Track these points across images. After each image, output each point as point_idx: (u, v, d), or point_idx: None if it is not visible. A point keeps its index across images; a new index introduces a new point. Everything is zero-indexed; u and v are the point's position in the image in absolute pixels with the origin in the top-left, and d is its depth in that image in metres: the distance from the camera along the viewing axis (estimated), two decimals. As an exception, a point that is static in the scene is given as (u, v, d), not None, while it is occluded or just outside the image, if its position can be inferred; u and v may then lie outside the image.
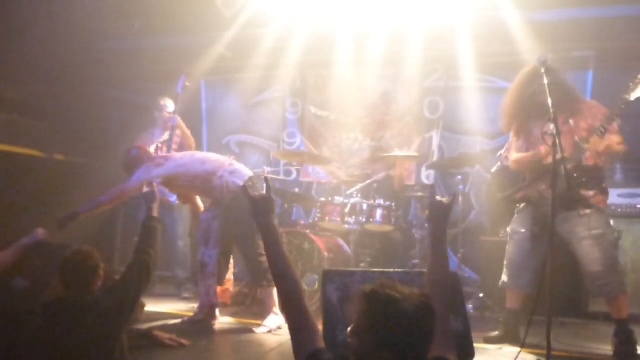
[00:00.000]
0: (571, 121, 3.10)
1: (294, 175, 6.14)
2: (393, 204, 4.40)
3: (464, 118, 5.69)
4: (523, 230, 3.25)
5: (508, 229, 3.43)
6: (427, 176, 5.74)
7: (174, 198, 4.56)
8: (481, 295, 4.35)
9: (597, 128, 2.97)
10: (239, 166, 3.72)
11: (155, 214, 2.73)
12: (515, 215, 3.39)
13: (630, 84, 2.92)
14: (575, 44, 5.25)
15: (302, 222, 4.53)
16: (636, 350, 2.94)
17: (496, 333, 3.28)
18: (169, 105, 4.78)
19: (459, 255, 4.49)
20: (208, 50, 5.80)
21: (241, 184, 3.55)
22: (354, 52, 5.68)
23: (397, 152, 4.62)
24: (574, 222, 3.04)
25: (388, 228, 4.43)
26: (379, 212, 4.36)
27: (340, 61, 5.72)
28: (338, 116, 6.11)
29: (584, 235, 3.01)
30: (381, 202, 4.38)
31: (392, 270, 2.45)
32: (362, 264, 4.48)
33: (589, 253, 2.98)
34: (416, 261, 4.56)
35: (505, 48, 5.25)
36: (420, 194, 4.71)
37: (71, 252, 2.34)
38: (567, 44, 5.21)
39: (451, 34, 5.37)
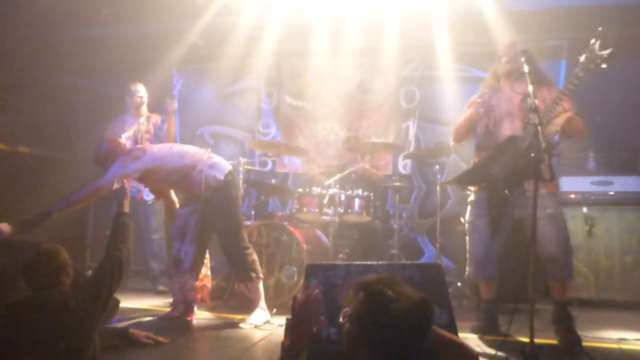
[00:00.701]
0: (528, 100, 2.98)
1: (269, 167, 6.05)
2: (371, 194, 4.37)
3: (440, 107, 5.70)
4: (481, 221, 3.18)
5: (465, 221, 3.35)
6: (404, 166, 5.73)
7: (150, 197, 4.42)
8: (459, 284, 4.37)
9: (547, 108, 2.86)
10: (218, 159, 3.61)
11: (127, 209, 2.63)
12: (469, 207, 3.31)
13: (581, 58, 2.71)
14: (549, 34, 5.29)
15: (279, 214, 4.45)
16: (578, 334, 2.88)
17: (476, 323, 3.27)
18: (140, 90, 4.63)
19: (437, 244, 4.48)
20: (180, 39, 5.64)
21: (222, 177, 3.47)
22: (330, 41, 5.61)
23: (373, 140, 4.57)
24: (527, 204, 2.86)
25: (366, 218, 4.40)
26: (357, 203, 4.33)
27: (316, 50, 5.64)
28: (314, 106, 6.04)
29: (538, 216, 2.81)
30: (359, 192, 4.34)
31: (375, 263, 2.40)
32: (341, 255, 4.45)
33: (544, 233, 2.89)
34: (395, 251, 4.55)
35: (480, 37, 5.26)
36: (397, 183, 4.68)
37: (35, 251, 2.22)
38: (542, 33, 5.24)
39: (427, 24, 5.35)
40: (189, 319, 3.44)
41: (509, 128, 3.11)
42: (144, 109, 4.68)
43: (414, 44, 5.63)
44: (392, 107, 5.83)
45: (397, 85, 5.83)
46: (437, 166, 4.61)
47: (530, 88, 2.62)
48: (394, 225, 4.61)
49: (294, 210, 4.43)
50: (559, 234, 2.92)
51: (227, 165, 3.60)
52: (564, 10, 5.03)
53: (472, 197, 3.28)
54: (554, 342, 2.94)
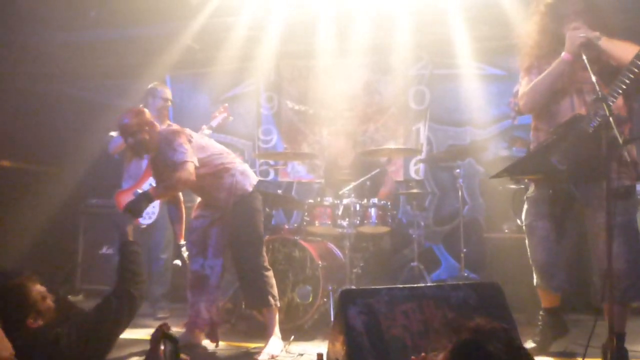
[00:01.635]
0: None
1: (271, 176, 5.69)
2: (389, 203, 4.02)
3: (452, 108, 5.39)
4: (542, 222, 2.70)
5: (523, 222, 2.87)
6: (417, 170, 5.38)
7: (147, 220, 3.96)
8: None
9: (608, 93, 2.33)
10: (247, 166, 3.30)
11: (131, 237, 2.28)
12: (526, 205, 2.83)
13: None
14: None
15: (286, 227, 4.06)
16: None
17: (532, 345, 2.83)
18: (167, 92, 4.22)
19: (462, 254, 4.10)
20: (173, 42, 5.30)
21: (250, 188, 3.14)
22: (332, 40, 5.27)
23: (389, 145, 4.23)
24: (596, 205, 2.49)
25: (384, 229, 4.05)
26: (373, 212, 3.97)
27: (318, 50, 5.31)
28: (317, 110, 5.70)
29: (604, 223, 2.32)
30: (375, 201, 3.99)
31: (422, 285, 2.06)
32: (356, 270, 4.08)
33: (611, 245, 2.30)
34: (415, 263, 4.19)
35: (494, 32, 4.96)
36: (415, 190, 4.34)
37: None
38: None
39: (436, 19, 5.04)
40: (214, 344, 3.12)
41: (570, 104, 2.61)
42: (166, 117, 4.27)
43: (422, 41, 5.29)
44: (401, 108, 5.49)
45: (405, 85, 5.49)
46: (457, 170, 4.25)
47: (593, 78, 2.26)
48: (413, 235, 4.26)
49: (304, 223, 4.07)
50: (626, 248, 2.45)
51: (255, 176, 3.28)
52: None
53: (529, 193, 2.81)
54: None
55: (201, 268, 3.13)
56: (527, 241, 2.85)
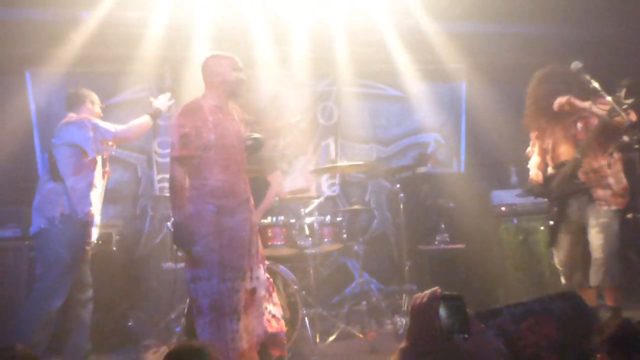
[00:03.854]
0: (579, 124, 3.12)
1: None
2: (343, 220, 3.93)
3: (357, 125, 5.53)
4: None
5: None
6: (331, 185, 5.35)
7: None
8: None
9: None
10: None
11: None
12: None
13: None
14: (451, 57, 5.48)
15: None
16: None
17: None
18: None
19: (407, 268, 4.19)
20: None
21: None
22: (242, 49, 4.96)
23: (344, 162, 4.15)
24: (586, 211, 3.12)
25: (338, 246, 3.94)
26: (327, 230, 3.84)
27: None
28: (220, 122, 5.25)
29: (592, 224, 3.08)
30: (328, 218, 3.85)
31: (526, 301, 2.06)
32: (296, 286, 3.82)
33: (595, 240, 3.06)
34: (360, 279, 4.14)
35: (390, 56, 5.25)
36: (356, 206, 4.31)
37: None
38: (444, 56, 5.42)
39: (338, 38, 5.13)
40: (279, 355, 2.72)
41: (569, 149, 3.17)
42: None
43: (329, 58, 5.33)
44: (311, 124, 5.42)
45: (313, 100, 5.45)
46: (397, 185, 4.34)
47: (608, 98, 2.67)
48: (359, 252, 4.22)
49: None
50: (604, 242, 3.02)
51: None
52: (465, 35, 5.33)
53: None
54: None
55: (249, 281, 2.64)
56: None
